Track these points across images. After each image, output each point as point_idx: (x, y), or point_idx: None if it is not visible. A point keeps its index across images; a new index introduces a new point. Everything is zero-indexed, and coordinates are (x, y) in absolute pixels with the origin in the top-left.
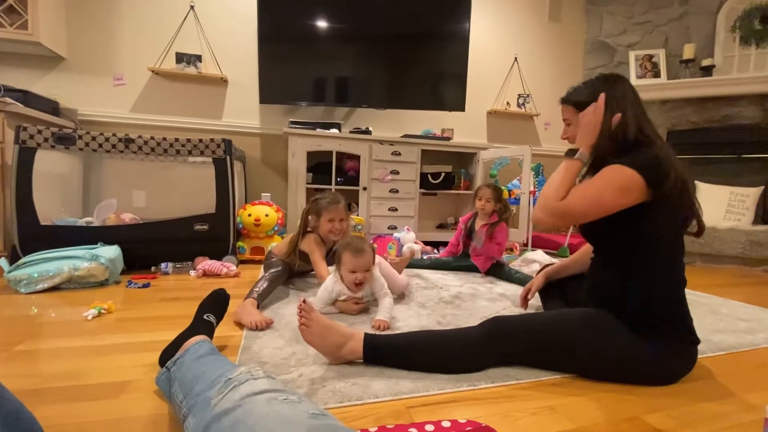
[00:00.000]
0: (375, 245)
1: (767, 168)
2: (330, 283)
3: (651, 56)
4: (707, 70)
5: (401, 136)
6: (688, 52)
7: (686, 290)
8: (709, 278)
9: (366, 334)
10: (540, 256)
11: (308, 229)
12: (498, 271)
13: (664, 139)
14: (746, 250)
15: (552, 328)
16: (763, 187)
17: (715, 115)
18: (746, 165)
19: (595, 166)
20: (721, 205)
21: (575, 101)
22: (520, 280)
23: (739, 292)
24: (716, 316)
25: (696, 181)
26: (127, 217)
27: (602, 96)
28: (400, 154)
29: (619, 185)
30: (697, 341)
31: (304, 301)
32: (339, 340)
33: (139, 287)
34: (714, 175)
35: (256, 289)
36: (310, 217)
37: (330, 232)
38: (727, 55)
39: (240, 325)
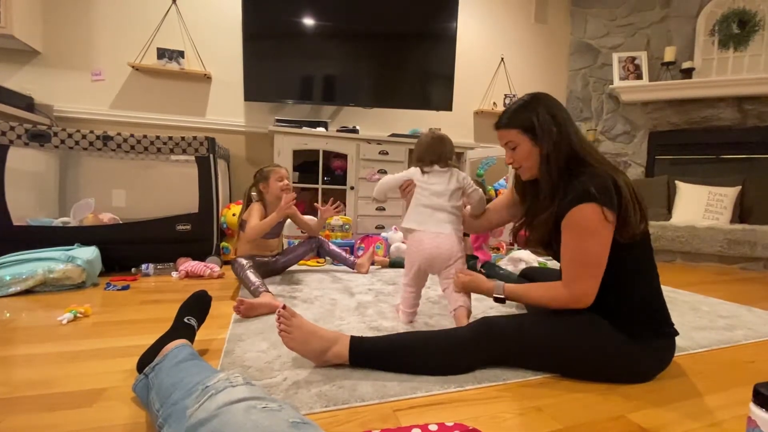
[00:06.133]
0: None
1: (744, 168)
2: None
3: (633, 58)
4: (687, 73)
5: (389, 136)
6: (669, 54)
7: (668, 288)
8: (689, 276)
9: (352, 338)
10: (526, 254)
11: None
12: (487, 270)
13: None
14: (724, 248)
15: (542, 330)
16: (740, 187)
17: (694, 116)
18: (724, 165)
19: (549, 195)
20: (699, 204)
21: (521, 126)
22: (507, 278)
23: (718, 290)
24: (697, 313)
25: (676, 181)
26: (106, 217)
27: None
28: (387, 153)
29: (592, 230)
30: (675, 332)
31: (284, 307)
32: (323, 345)
33: (118, 289)
34: (693, 175)
35: (257, 282)
36: (259, 186)
37: (282, 190)
38: (706, 57)
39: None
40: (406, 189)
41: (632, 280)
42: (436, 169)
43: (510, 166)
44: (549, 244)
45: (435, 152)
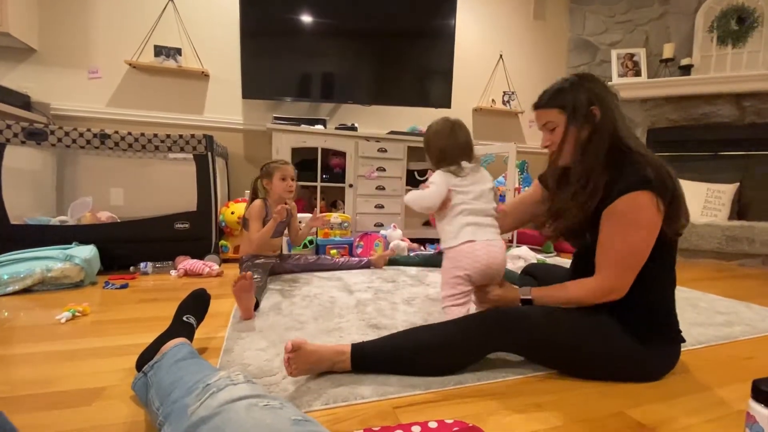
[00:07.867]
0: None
1: (742, 165)
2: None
3: (632, 55)
4: (686, 70)
5: (387, 133)
6: (668, 51)
7: None
8: (688, 272)
9: (353, 346)
10: (525, 252)
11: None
12: None
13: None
14: (722, 244)
15: (553, 325)
16: (738, 184)
17: (693, 113)
18: (722, 162)
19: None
20: (698, 201)
21: (561, 105)
22: (506, 276)
23: (716, 286)
24: (695, 309)
25: None
26: (104, 216)
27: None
28: (386, 150)
29: (645, 221)
30: (683, 339)
31: (291, 348)
32: (328, 364)
33: (116, 288)
34: (692, 172)
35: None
36: (263, 182)
37: (285, 190)
38: (705, 54)
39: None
40: (447, 203)
41: (652, 284)
42: (467, 166)
43: (524, 170)
44: (580, 233)
45: (460, 144)
